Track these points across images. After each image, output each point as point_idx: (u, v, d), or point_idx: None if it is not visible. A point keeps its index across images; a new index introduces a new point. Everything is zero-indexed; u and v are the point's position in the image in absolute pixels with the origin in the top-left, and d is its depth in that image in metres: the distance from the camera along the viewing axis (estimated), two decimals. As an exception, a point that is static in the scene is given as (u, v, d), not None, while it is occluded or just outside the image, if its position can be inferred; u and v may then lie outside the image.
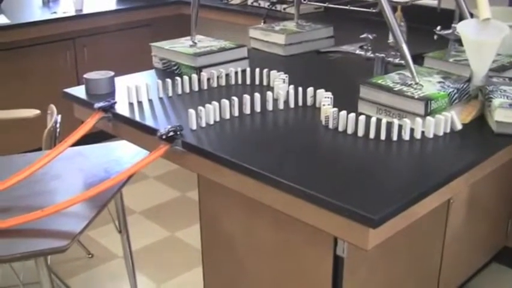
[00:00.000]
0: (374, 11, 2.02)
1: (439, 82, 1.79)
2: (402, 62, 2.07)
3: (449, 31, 2.11)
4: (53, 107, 2.52)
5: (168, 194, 3.64)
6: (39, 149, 2.44)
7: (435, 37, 2.17)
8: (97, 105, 1.88)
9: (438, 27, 2.14)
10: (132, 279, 2.52)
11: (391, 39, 2.27)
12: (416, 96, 1.67)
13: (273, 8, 3.66)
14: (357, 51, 2.43)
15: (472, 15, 2.04)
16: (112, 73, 2.06)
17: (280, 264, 1.84)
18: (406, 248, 2.02)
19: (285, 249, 1.81)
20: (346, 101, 1.82)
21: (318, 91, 1.86)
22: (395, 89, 1.73)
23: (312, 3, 2.69)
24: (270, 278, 1.90)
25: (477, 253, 2.62)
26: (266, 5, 3.73)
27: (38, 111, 2.67)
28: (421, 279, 2.21)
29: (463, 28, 1.79)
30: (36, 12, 3.99)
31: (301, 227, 1.70)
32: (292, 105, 1.87)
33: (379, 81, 1.80)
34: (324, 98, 1.78)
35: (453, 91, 1.73)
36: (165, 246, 3.09)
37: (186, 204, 3.51)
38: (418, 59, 1.99)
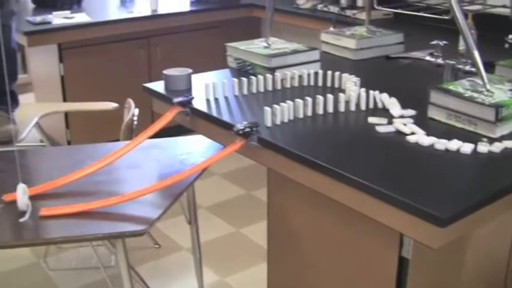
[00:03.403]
0: (446, 18, 2.06)
1: (511, 90, 1.82)
2: (472, 69, 2.10)
3: (523, 39, 2.12)
4: (130, 101, 2.63)
5: (233, 192, 3.73)
6: (115, 141, 2.55)
7: (506, 45, 2.18)
8: (176, 100, 1.98)
9: (510, 36, 2.15)
10: (198, 270, 2.60)
11: (461, 47, 2.29)
12: (487, 103, 1.70)
13: (343, 13, 3.71)
14: (427, 58, 2.46)
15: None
16: (190, 70, 2.15)
17: (346, 262, 1.89)
18: (472, 251, 2.04)
19: (350, 248, 1.85)
20: (416, 106, 1.87)
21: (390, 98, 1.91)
22: (466, 95, 1.77)
23: (383, 9, 2.73)
24: (334, 276, 1.94)
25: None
26: (336, 10, 3.78)
27: (116, 104, 2.79)
28: (487, 285, 2.22)
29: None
30: (114, 11, 4.15)
31: (368, 226, 1.75)
32: (363, 107, 1.93)
33: (450, 87, 1.84)
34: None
35: (525, 99, 1.75)
36: (230, 242, 3.18)
37: (251, 202, 3.59)
38: (488, 68, 2.01)
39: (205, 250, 3.00)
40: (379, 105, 1.94)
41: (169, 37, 4.19)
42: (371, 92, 1.94)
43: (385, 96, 1.92)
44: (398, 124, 1.75)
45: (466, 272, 2.05)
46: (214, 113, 1.91)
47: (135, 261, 2.93)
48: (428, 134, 1.69)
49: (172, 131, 2.31)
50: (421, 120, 1.79)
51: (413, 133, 1.71)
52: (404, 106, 1.86)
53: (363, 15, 2.99)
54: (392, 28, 2.73)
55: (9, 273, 2.95)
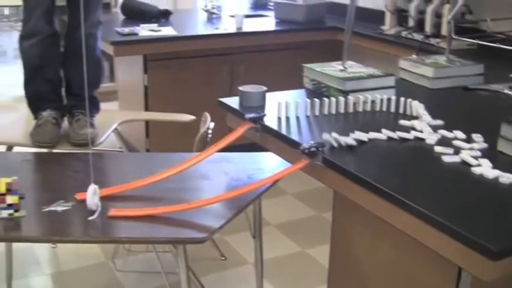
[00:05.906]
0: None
1: None
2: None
3: None
4: (207, 114, 2.70)
5: (304, 212, 3.75)
6: (189, 152, 2.62)
7: None
8: (248, 115, 2.03)
9: None
10: (259, 284, 2.64)
11: (541, 81, 2.26)
12: (557, 140, 1.68)
13: (427, 41, 3.70)
14: (505, 91, 2.43)
15: None
16: (265, 88, 2.21)
17: (403, 288, 1.89)
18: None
19: (409, 277, 1.85)
20: (487, 138, 1.87)
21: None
22: (537, 130, 1.75)
23: (461, 38, 2.71)
24: (392, 301, 1.94)
25: None
26: (420, 37, 3.77)
27: (193, 117, 2.87)
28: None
29: None
30: (200, 27, 4.26)
31: (427, 255, 1.74)
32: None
33: (522, 121, 1.82)
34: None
35: None
36: (294, 260, 3.20)
37: (320, 224, 3.60)
38: None
39: (270, 266, 3.04)
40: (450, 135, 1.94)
41: (253, 55, 4.25)
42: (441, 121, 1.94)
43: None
44: (465, 155, 1.74)
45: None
46: (284, 131, 1.95)
47: (200, 271, 2.99)
48: (494, 167, 1.68)
49: (247, 147, 2.35)
50: (490, 153, 1.78)
51: (479, 165, 1.70)
52: (476, 138, 1.86)
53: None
54: (474, 59, 2.71)
55: (79, 270, 3.08)
